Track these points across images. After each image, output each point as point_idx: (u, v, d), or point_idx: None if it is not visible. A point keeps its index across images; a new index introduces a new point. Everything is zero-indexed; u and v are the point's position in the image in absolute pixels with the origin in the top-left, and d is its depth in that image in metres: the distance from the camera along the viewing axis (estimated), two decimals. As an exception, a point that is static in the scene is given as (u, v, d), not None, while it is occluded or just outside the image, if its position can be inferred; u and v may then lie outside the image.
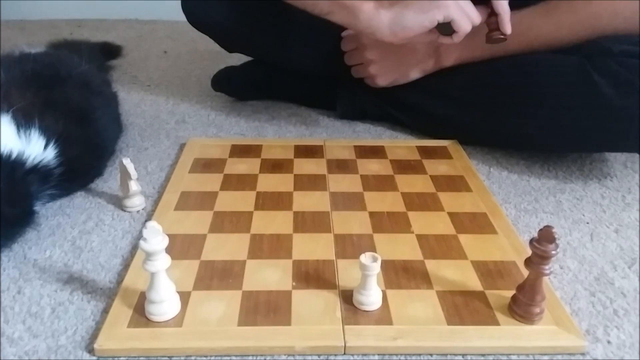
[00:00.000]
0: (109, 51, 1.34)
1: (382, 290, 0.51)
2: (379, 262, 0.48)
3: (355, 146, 0.84)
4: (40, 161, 0.64)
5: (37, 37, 1.53)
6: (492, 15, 0.73)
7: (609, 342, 0.49)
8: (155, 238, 0.46)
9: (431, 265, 0.56)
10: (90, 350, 0.46)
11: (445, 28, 0.71)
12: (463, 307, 0.50)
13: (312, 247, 0.59)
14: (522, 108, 0.79)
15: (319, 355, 0.46)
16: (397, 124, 0.95)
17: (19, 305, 0.52)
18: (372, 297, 0.50)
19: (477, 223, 0.64)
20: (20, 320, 0.50)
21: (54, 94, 0.74)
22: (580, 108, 0.73)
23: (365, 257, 0.48)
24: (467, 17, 0.70)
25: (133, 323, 0.48)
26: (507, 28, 0.72)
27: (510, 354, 0.47)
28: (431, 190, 0.71)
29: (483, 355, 0.47)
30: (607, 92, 0.70)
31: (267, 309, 0.50)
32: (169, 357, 0.46)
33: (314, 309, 0.50)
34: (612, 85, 0.70)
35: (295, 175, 0.75)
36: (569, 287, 0.55)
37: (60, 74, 0.79)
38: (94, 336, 0.48)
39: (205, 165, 0.77)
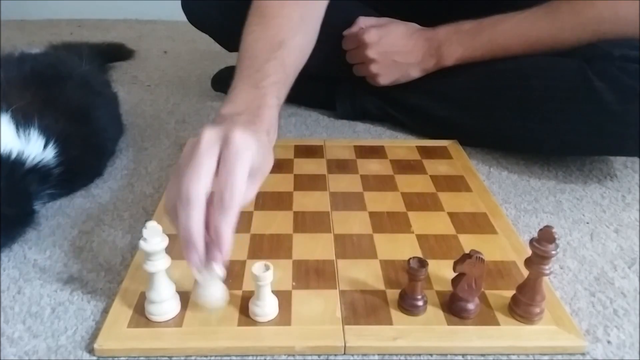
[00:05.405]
0: (121, 53, 1.36)
1: (382, 290, 0.52)
2: (271, 271, 0.46)
3: (355, 146, 0.84)
4: (40, 161, 0.64)
5: (37, 37, 1.53)
6: None
7: (609, 342, 0.48)
8: (155, 238, 0.46)
9: (431, 265, 0.55)
10: (90, 350, 0.46)
11: None
12: (463, 307, 0.50)
13: (312, 247, 0.59)
14: (521, 111, 0.78)
15: (319, 355, 0.46)
16: (397, 124, 0.94)
17: (19, 305, 0.52)
18: (266, 308, 0.48)
19: (477, 223, 0.64)
20: (20, 320, 0.50)
21: (54, 94, 0.74)
22: (580, 112, 0.73)
23: (256, 267, 0.46)
24: None
25: (133, 323, 0.48)
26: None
27: (510, 354, 0.47)
28: (431, 190, 0.71)
29: (483, 355, 0.47)
30: (607, 96, 0.70)
31: (267, 309, 0.50)
32: (169, 357, 0.46)
33: (314, 309, 0.50)
34: (612, 90, 0.70)
35: (295, 175, 0.75)
36: (569, 287, 0.55)
37: (60, 74, 0.79)
38: (94, 336, 0.48)
39: (205, 165, 0.77)
